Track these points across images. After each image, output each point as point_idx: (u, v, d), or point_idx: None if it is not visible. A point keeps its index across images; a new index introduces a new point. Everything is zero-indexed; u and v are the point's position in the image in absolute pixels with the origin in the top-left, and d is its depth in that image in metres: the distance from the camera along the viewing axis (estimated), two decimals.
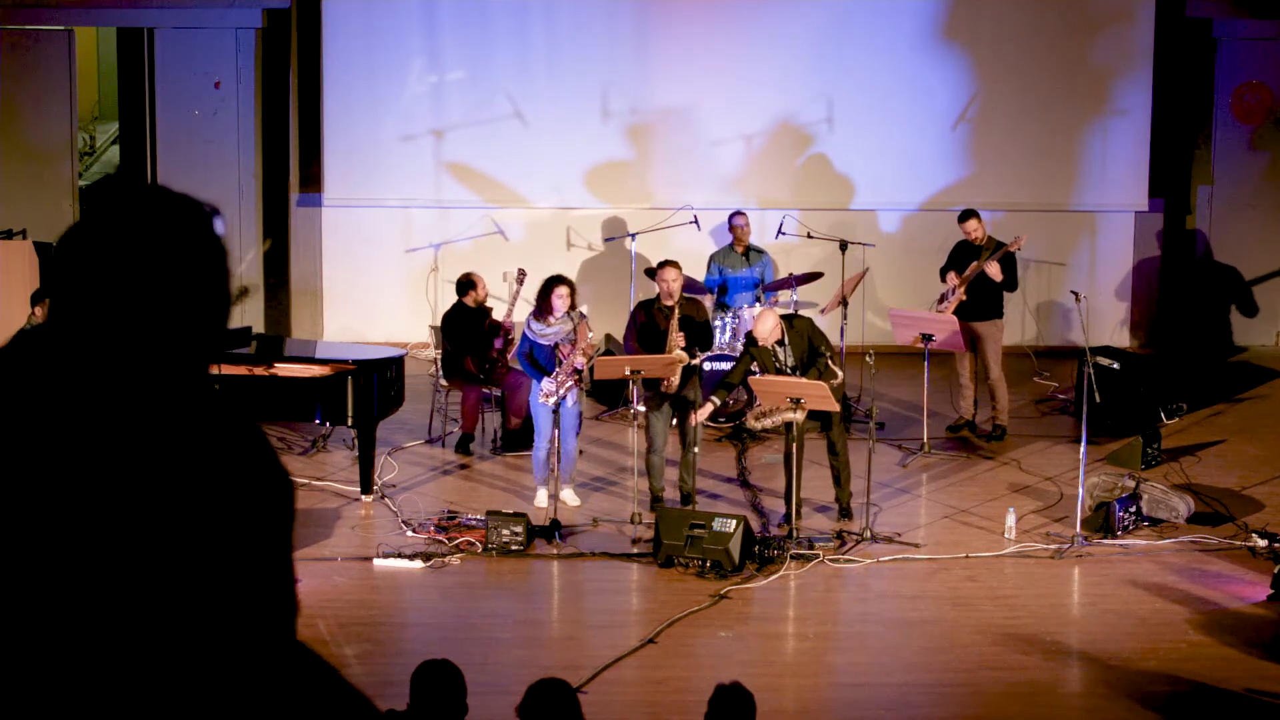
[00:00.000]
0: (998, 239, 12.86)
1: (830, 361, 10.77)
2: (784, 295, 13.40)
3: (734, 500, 11.51)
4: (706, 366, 11.60)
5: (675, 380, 10.85)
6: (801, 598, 9.88)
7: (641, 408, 11.65)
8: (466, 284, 12.57)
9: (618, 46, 15.25)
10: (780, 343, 10.79)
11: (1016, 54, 15.29)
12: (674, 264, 11.04)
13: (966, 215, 12.86)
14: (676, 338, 10.79)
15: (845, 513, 10.95)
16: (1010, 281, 12.60)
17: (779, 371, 10.76)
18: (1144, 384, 13.06)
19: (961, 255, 12.81)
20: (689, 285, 11.83)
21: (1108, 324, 15.49)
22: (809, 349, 10.79)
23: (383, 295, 15.44)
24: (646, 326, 10.96)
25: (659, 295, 11.02)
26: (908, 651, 9.10)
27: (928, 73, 15.25)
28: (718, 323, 12.78)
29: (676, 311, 10.84)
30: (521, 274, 11.53)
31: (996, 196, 15.22)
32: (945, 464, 12.25)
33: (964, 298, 12.61)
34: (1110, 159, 15.43)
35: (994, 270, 12.48)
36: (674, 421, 11.11)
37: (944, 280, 12.89)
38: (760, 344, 10.75)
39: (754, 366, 10.94)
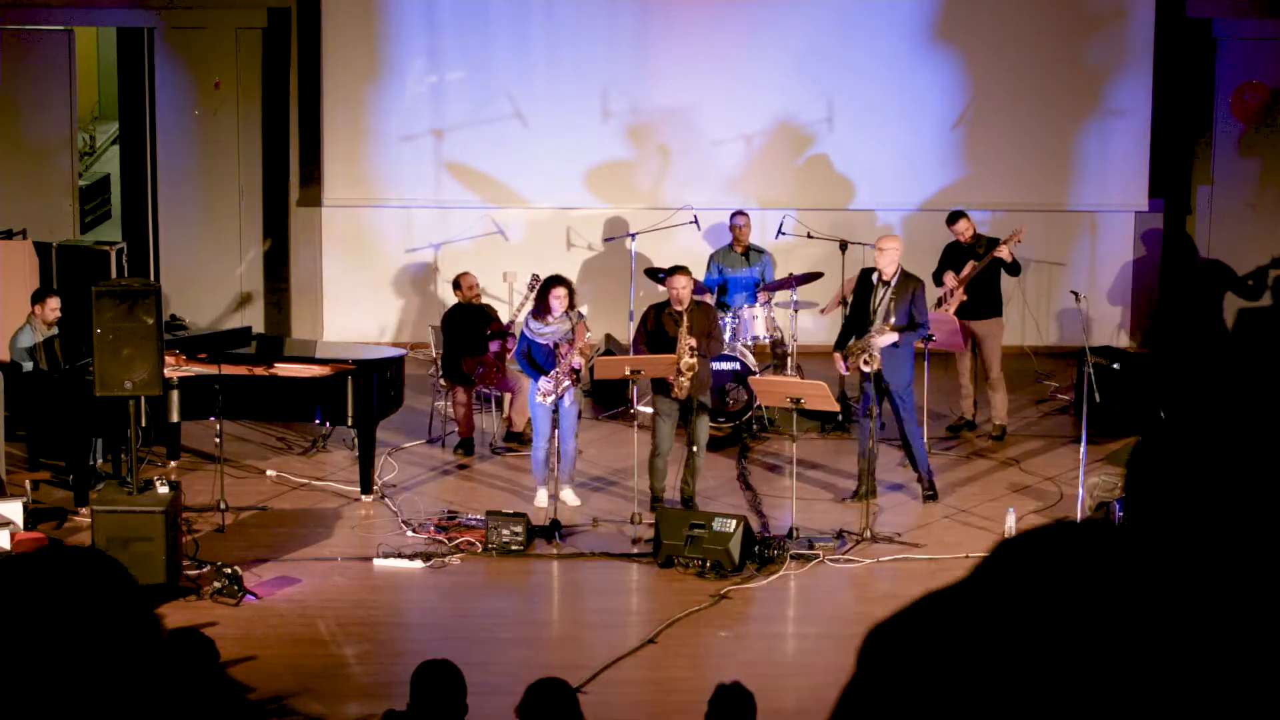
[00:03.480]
0: (989, 236, 12.88)
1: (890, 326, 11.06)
2: (784, 295, 13.39)
3: (734, 500, 11.50)
4: (713, 366, 11.58)
5: (685, 385, 10.84)
6: (801, 598, 9.88)
7: (644, 408, 11.66)
8: (455, 284, 12.61)
9: (618, 46, 15.24)
10: (887, 283, 11.01)
11: (1016, 54, 15.28)
12: (684, 270, 11.05)
13: (955, 216, 12.86)
14: (685, 343, 10.78)
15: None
16: (1015, 265, 12.65)
17: (869, 310, 11.00)
18: (1144, 384, 13.05)
19: (954, 256, 12.81)
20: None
21: (1107, 324, 15.49)
22: (897, 306, 11.01)
23: (383, 295, 15.44)
24: (656, 331, 10.96)
25: (669, 300, 11.01)
26: None
27: (928, 73, 15.24)
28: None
29: (686, 318, 10.83)
30: (535, 280, 11.49)
31: (996, 196, 15.22)
32: (945, 464, 12.24)
33: (964, 298, 12.61)
34: (1110, 159, 15.43)
35: (1005, 252, 12.51)
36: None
37: (939, 284, 12.87)
38: (877, 271, 11.06)
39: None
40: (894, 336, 10.92)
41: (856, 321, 11.20)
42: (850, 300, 11.48)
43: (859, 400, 11.32)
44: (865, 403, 11.10)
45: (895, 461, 12.17)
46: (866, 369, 10.91)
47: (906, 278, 11.11)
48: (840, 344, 11.29)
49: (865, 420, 11.12)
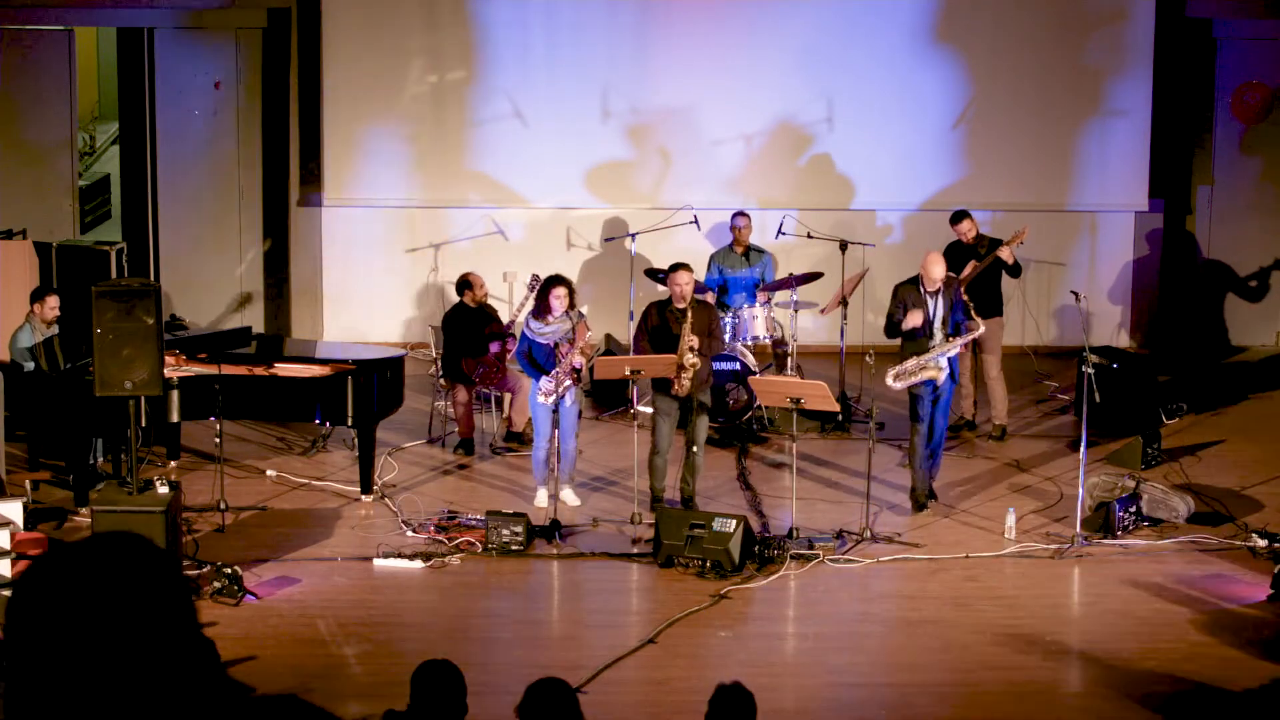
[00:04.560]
0: (991, 236, 12.88)
1: (973, 311, 10.97)
2: (784, 295, 13.39)
3: (734, 500, 11.50)
4: (713, 366, 11.57)
5: (686, 383, 10.84)
6: (801, 598, 9.88)
7: (644, 408, 11.65)
8: (463, 284, 12.60)
9: (618, 46, 15.24)
10: (936, 293, 10.93)
11: (1017, 54, 15.29)
12: (686, 267, 11.06)
13: (959, 216, 12.87)
14: (689, 340, 10.79)
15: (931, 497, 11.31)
16: (1016, 266, 12.66)
17: (927, 319, 10.89)
18: (1144, 384, 13.06)
19: (956, 255, 12.80)
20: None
21: (1107, 324, 15.49)
22: (952, 305, 10.96)
23: (383, 295, 15.44)
24: (659, 329, 10.96)
25: (671, 297, 11.01)
26: (908, 651, 9.10)
27: (928, 73, 15.24)
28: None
29: (689, 314, 10.84)
30: (535, 280, 11.49)
31: (996, 196, 15.22)
32: (945, 464, 12.22)
33: (965, 298, 12.59)
34: (1110, 159, 15.43)
35: (1007, 253, 12.52)
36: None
37: None
38: (922, 284, 10.94)
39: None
40: (959, 345, 10.99)
41: (916, 336, 11.00)
42: (896, 310, 11.11)
43: (914, 407, 11.08)
44: (921, 409, 11.00)
45: (895, 461, 12.17)
46: (940, 378, 10.90)
47: (948, 283, 11.08)
48: (904, 356, 11.02)
49: (922, 425, 11.04)
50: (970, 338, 11.04)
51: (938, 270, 11.01)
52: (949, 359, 10.98)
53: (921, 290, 10.98)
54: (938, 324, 10.95)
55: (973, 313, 10.99)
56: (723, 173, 15.33)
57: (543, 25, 15.20)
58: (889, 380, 11.00)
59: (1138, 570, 10.23)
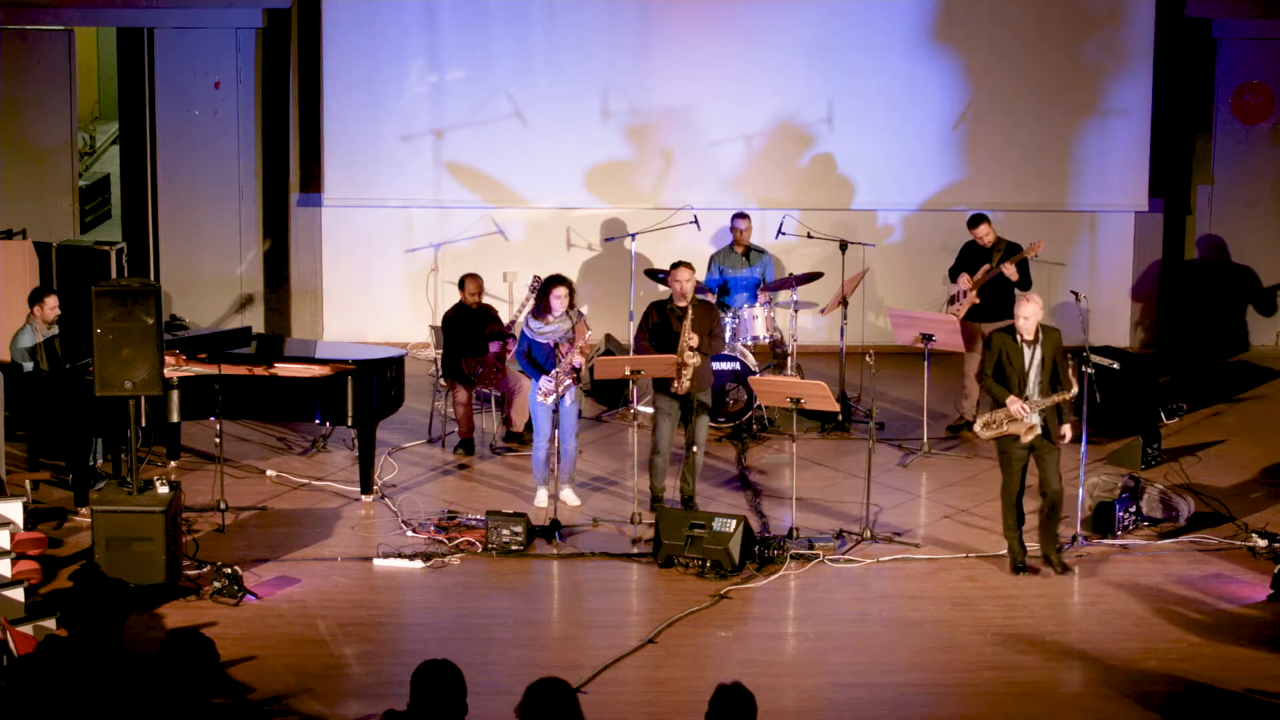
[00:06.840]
0: (1006, 239, 12.86)
1: (1070, 373, 10.01)
2: (784, 295, 13.40)
3: (734, 500, 11.51)
4: (713, 366, 11.56)
5: (686, 382, 10.85)
6: (801, 598, 9.88)
7: (645, 408, 11.65)
8: (461, 285, 12.62)
9: (618, 46, 15.25)
10: (1031, 343, 10.00)
11: (1017, 54, 15.28)
12: (687, 265, 11.06)
13: (977, 220, 12.85)
14: (688, 338, 10.79)
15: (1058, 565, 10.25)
16: (1025, 280, 12.59)
17: (1022, 374, 10.00)
18: (1144, 384, 13.06)
19: (970, 257, 12.81)
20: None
21: (1108, 324, 15.49)
22: (1051, 359, 10.01)
23: (383, 295, 15.45)
24: (660, 326, 10.97)
25: (672, 295, 11.02)
26: (908, 651, 9.10)
27: (928, 73, 15.25)
28: None
29: (690, 312, 10.85)
30: (536, 280, 11.47)
31: (997, 197, 15.22)
32: (945, 464, 12.24)
33: (976, 300, 12.61)
34: (1110, 159, 15.43)
35: (1010, 270, 12.50)
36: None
37: (953, 281, 12.89)
38: (1017, 333, 10.01)
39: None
40: (1051, 403, 9.96)
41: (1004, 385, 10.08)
42: (988, 364, 10.15)
43: (1003, 462, 10.21)
44: (1012, 463, 10.11)
45: (894, 461, 12.17)
46: (1029, 438, 9.98)
47: (1048, 331, 10.08)
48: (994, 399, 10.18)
49: (1012, 482, 10.13)
50: (1061, 398, 9.96)
51: (1029, 315, 9.96)
52: (1042, 417, 9.99)
53: (1018, 339, 10.02)
54: (1033, 376, 9.98)
55: (1070, 373, 9.99)
56: (723, 173, 15.34)
57: (543, 25, 15.20)
58: (977, 428, 10.31)
59: (1138, 570, 10.23)
